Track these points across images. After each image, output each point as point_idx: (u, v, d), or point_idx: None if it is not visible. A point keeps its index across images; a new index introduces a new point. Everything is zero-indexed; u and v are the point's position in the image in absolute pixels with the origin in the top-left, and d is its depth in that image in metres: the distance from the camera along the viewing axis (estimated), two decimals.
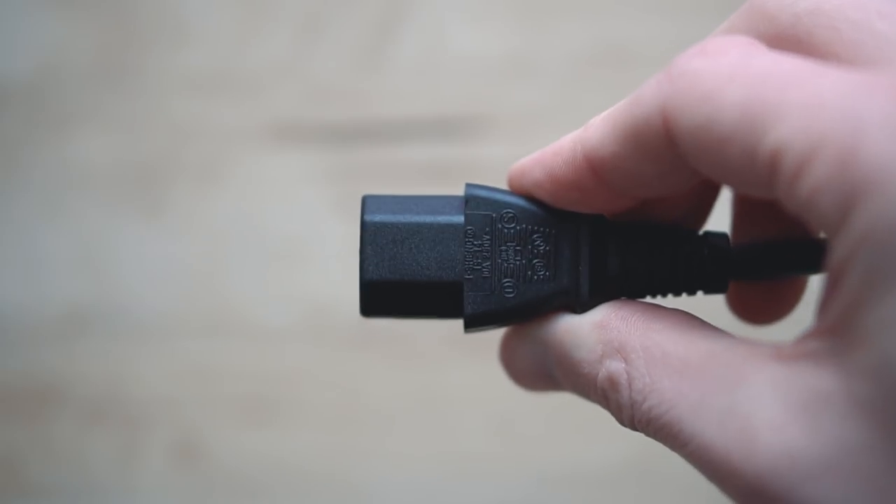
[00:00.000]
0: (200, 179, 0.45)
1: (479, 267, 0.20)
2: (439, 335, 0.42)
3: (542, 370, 0.20)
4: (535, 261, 0.20)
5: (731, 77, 0.16)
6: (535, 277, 0.20)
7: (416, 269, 0.20)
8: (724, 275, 0.21)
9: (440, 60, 0.45)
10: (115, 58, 0.46)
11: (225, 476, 0.42)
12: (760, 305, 0.23)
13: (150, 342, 0.43)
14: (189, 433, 0.42)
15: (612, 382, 0.18)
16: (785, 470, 0.15)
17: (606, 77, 0.44)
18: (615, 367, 0.18)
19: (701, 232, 0.21)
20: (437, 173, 0.43)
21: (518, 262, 0.20)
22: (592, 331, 0.19)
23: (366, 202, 0.20)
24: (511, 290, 0.20)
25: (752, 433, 0.15)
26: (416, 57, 0.45)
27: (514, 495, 0.41)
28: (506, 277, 0.20)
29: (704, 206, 0.22)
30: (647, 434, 0.18)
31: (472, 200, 0.20)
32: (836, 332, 0.15)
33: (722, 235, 0.21)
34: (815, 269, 0.21)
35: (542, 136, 0.47)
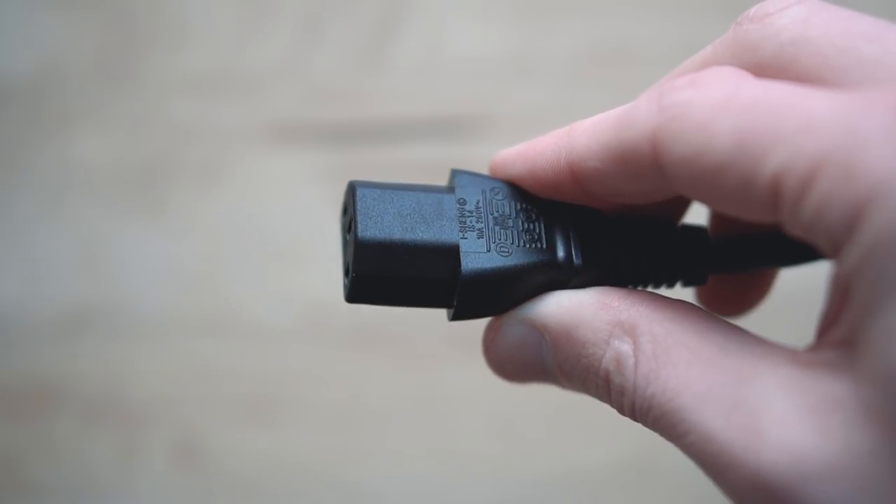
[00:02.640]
0: (200, 179, 0.45)
1: (472, 230, 0.19)
2: (439, 335, 0.42)
3: (532, 356, 0.20)
4: (525, 232, 0.20)
5: (722, 107, 0.16)
6: (528, 246, 0.20)
7: (411, 232, 0.19)
8: (704, 267, 0.21)
9: (440, 60, 0.45)
10: (115, 58, 0.46)
11: (225, 476, 0.42)
12: (729, 298, 0.23)
13: (150, 342, 0.43)
14: (189, 433, 0.42)
15: (619, 364, 0.18)
16: (789, 467, 0.15)
17: (606, 77, 0.44)
18: (624, 348, 0.18)
19: (680, 224, 0.22)
20: (436, 173, 0.43)
21: (510, 230, 0.20)
22: (599, 310, 0.18)
23: (352, 182, 0.20)
24: (506, 251, 0.19)
25: (758, 428, 0.15)
26: (415, 57, 0.45)
27: (514, 495, 0.41)
28: (499, 240, 0.19)
29: (684, 203, 0.22)
30: (646, 423, 0.17)
31: (460, 176, 0.20)
32: (848, 342, 0.15)
33: (702, 228, 0.21)
34: (791, 262, 0.21)
35: (541, 135, 0.47)
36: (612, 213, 0.20)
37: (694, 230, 0.21)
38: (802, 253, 0.21)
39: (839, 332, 0.15)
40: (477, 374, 0.41)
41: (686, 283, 0.21)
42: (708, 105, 0.16)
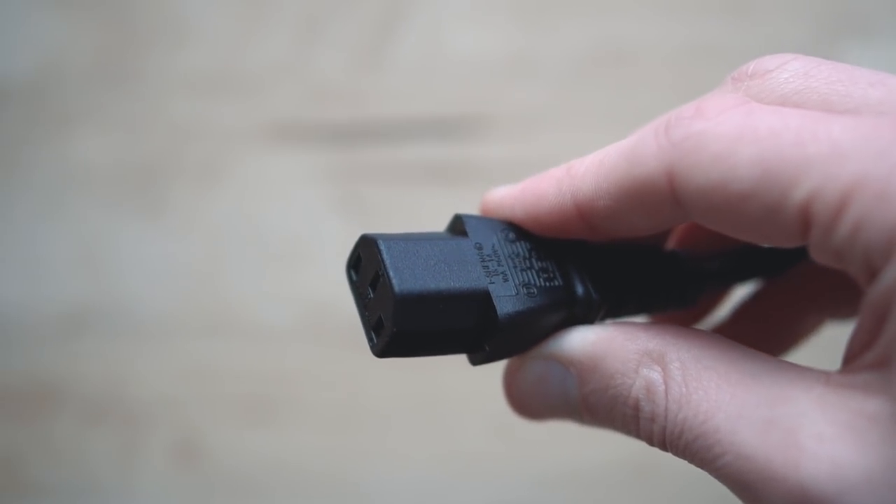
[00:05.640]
0: (200, 179, 0.45)
1: (497, 274, 0.19)
2: None
3: (555, 392, 0.20)
4: (542, 271, 0.20)
5: (739, 137, 0.16)
6: (548, 285, 0.20)
7: (444, 281, 0.19)
8: (698, 291, 0.22)
9: (440, 60, 0.45)
10: (115, 58, 0.46)
11: (225, 476, 0.42)
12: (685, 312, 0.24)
13: (150, 342, 0.43)
14: (189, 433, 0.42)
15: (649, 391, 0.18)
16: (829, 480, 0.15)
17: (607, 77, 0.44)
18: (653, 375, 0.18)
19: (669, 250, 0.22)
20: (436, 173, 0.43)
21: (529, 273, 0.20)
22: (626, 341, 0.18)
23: (367, 236, 0.19)
24: (533, 292, 0.19)
25: (796, 444, 0.15)
26: (415, 57, 0.45)
27: (514, 495, 0.41)
28: (523, 284, 0.19)
29: (668, 231, 0.22)
30: (677, 450, 0.17)
31: (469, 220, 0.20)
32: (884, 363, 0.15)
33: (687, 252, 0.22)
34: (767, 274, 0.22)
35: (541, 136, 0.47)
36: (601, 243, 0.21)
37: (685, 256, 0.22)
38: (779, 264, 0.22)
39: (874, 354, 0.15)
40: (477, 375, 0.41)
41: (678, 308, 0.22)
42: (724, 135, 0.16)
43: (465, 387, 0.42)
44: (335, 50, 0.46)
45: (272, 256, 0.44)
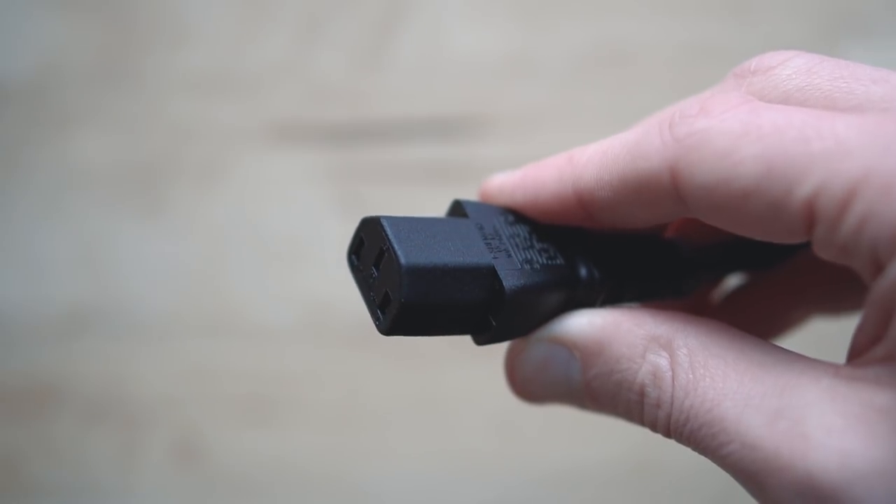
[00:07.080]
0: (200, 179, 0.45)
1: (500, 251, 0.19)
2: None
3: (557, 375, 0.20)
4: (543, 251, 0.20)
5: (743, 134, 0.16)
6: (552, 263, 0.20)
7: (449, 256, 0.19)
8: (695, 280, 0.22)
9: (440, 60, 0.45)
10: (115, 58, 0.46)
11: (225, 476, 0.42)
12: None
13: (150, 342, 0.43)
14: (189, 433, 0.42)
15: (655, 377, 0.18)
16: (837, 470, 0.15)
17: (607, 77, 0.44)
18: (660, 361, 0.18)
19: (667, 238, 0.22)
20: (436, 173, 0.43)
21: (531, 250, 0.20)
22: (634, 326, 0.18)
23: (369, 216, 0.19)
24: (538, 268, 0.19)
25: (804, 434, 0.15)
26: (415, 57, 0.45)
27: (515, 495, 0.41)
28: (526, 261, 0.19)
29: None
30: (682, 437, 0.17)
31: (469, 205, 0.20)
32: (893, 358, 0.15)
33: (687, 242, 0.22)
34: (760, 266, 0.23)
35: (541, 136, 0.47)
36: (600, 230, 0.21)
37: (683, 245, 0.22)
38: (772, 257, 0.22)
39: (884, 349, 0.16)
40: (476, 374, 0.41)
41: (673, 296, 0.22)
42: (728, 132, 0.16)
43: (465, 386, 0.42)
44: (335, 50, 0.46)
45: (272, 256, 0.44)
